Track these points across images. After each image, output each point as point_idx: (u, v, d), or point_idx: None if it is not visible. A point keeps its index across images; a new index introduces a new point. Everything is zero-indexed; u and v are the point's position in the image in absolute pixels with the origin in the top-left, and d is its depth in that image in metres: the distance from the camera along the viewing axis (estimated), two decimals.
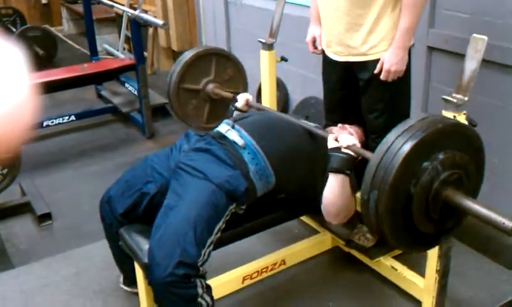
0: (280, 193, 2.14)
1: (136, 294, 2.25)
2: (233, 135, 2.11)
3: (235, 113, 2.51)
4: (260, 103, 3.06)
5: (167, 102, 4.71)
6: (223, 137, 2.13)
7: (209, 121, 2.86)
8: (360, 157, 2.00)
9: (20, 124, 0.56)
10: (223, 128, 2.18)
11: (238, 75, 2.89)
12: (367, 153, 1.88)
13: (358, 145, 2.00)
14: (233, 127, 2.16)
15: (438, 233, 1.64)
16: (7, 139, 0.56)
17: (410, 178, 1.49)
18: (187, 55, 2.76)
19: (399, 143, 1.47)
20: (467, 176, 1.57)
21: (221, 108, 2.77)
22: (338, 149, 1.99)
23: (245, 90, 2.86)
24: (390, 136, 1.51)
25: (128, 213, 2.13)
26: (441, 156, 1.51)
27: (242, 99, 2.53)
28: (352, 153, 1.98)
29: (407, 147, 1.45)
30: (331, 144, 2.03)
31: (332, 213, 2.09)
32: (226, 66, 2.85)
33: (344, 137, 2.01)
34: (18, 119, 0.55)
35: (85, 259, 2.73)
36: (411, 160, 1.46)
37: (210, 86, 2.77)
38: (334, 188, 2.02)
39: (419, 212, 1.53)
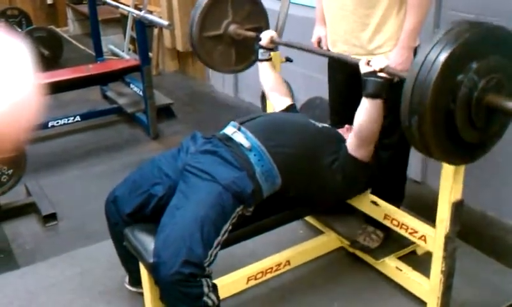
0: (287, 193, 2.15)
1: (141, 294, 2.25)
2: (240, 137, 2.12)
3: (261, 52, 2.53)
4: (265, 106, 3.06)
5: (172, 103, 4.75)
6: (229, 139, 2.13)
7: (238, 63, 2.85)
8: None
9: (23, 122, 0.56)
10: (229, 130, 2.19)
11: (256, 8, 2.82)
12: (402, 73, 1.84)
13: (391, 66, 1.97)
14: (239, 129, 2.17)
15: (485, 139, 1.63)
16: (9, 137, 0.55)
17: (447, 96, 1.46)
18: (202, 2, 2.67)
19: (430, 60, 1.43)
20: (507, 77, 1.53)
21: (247, 48, 2.75)
22: (372, 73, 1.97)
23: (266, 22, 2.81)
24: (420, 56, 1.47)
25: (135, 214, 2.14)
26: (474, 65, 1.46)
27: (266, 37, 2.53)
28: (387, 76, 1.96)
29: (438, 64, 1.42)
30: (363, 68, 2.01)
31: (363, 138, 2.10)
32: (243, 3, 2.77)
33: (376, 60, 1.99)
34: (22, 117, 0.55)
35: (90, 259, 2.73)
36: (444, 77, 1.43)
37: (232, 28, 2.72)
38: (371, 113, 2.02)
39: (463, 124, 1.50)
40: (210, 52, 2.75)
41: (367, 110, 2.03)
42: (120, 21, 6.52)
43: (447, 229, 1.97)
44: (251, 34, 2.66)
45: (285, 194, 2.15)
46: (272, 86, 2.58)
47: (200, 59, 2.80)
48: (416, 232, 2.22)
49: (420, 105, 1.44)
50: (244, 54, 2.81)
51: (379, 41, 2.28)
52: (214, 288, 1.90)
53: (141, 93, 4.37)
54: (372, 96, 1.99)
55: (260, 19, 2.81)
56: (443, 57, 1.42)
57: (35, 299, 2.48)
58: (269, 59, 2.60)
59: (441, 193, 1.95)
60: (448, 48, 1.43)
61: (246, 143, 2.10)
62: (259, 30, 2.64)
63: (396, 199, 2.50)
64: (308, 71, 3.78)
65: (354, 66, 2.39)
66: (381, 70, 1.96)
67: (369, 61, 2.00)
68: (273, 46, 2.56)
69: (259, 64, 2.60)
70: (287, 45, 2.57)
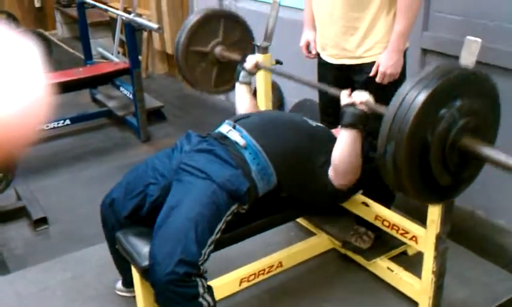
0: (281, 192, 2.16)
1: (133, 298, 2.25)
2: (235, 136, 2.13)
3: (242, 75, 2.51)
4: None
5: (162, 105, 4.74)
6: (224, 137, 2.14)
7: (217, 84, 2.84)
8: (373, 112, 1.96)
9: (32, 124, 0.55)
10: (225, 128, 2.19)
11: (246, 37, 2.83)
12: (382, 108, 1.84)
13: (372, 100, 1.97)
14: (234, 127, 2.17)
15: (456, 184, 1.62)
16: (18, 140, 0.54)
17: (427, 127, 1.46)
18: (195, 17, 2.68)
19: (414, 93, 1.44)
20: (484, 123, 1.54)
21: (229, 71, 2.75)
22: (351, 105, 1.98)
23: (252, 52, 2.78)
24: (404, 87, 1.48)
25: (132, 216, 2.12)
26: (458, 103, 1.48)
27: (252, 60, 2.51)
28: (365, 109, 1.96)
29: (423, 96, 1.42)
30: (344, 100, 2.01)
31: (341, 170, 2.08)
32: (234, 29, 2.78)
33: (357, 93, 1.99)
34: (31, 119, 0.54)
35: (81, 263, 2.72)
36: (427, 108, 1.43)
37: (218, 49, 2.72)
38: (346, 144, 2.02)
39: (436, 161, 1.50)
40: (192, 67, 2.74)
41: (343, 142, 2.03)
42: (109, 24, 6.51)
43: (437, 229, 1.99)
44: (237, 57, 2.64)
45: (278, 193, 2.16)
46: (247, 109, 2.55)
47: (180, 71, 2.76)
48: (407, 233, 2.24)
49: (399, 132, 1.44)
50: (225, 77, 2.81)
51: (369, 44, 2.30)
52: (210, 289, 1.90)
53: (131, 96, 4.36)
54: (349, 126, 1.99)
55: (247, 48, 2.80)
56: (430, 87, 1.43)
57: (26, 304, 2.46)
58: (248, 84, 2.58)
59: None
60: (436, 81, 1.45)
61: (241, 141, 2.10)
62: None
63: (387, 200, 2.52)
64: (298, 74, 3.78)
65: (344, 71, 2.42)
66: (361, 103, 1.95)
67: (351, 93, 2.00)
68: (256, 71, 2.54)
69: (237, 86, 2.57)
70: (272, 71, 2.56)
